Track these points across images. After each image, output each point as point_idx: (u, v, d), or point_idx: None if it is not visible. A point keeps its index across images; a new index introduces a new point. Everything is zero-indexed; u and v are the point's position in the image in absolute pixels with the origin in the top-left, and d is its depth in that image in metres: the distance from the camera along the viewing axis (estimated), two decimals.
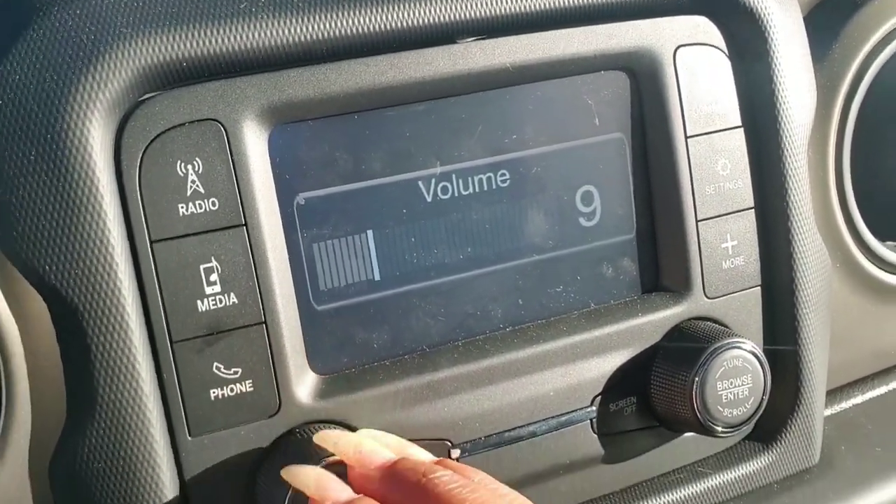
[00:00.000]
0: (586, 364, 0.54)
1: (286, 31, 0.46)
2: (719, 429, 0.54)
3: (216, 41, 0.45)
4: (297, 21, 0.46)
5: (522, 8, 0.50)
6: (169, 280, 0.45)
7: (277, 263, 0.48)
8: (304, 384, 0.49)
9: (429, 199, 0.51)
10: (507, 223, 0.53)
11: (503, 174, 0.53)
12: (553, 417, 0.53)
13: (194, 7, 0.45)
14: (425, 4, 0.48)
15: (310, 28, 0.46)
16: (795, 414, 0.60)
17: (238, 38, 0.45)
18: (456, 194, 0.52)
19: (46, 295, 0.44)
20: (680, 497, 0.57)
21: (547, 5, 0.51)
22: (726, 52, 0.56)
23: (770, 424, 0.60)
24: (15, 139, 0.43)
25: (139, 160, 0.44)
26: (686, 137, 0.55)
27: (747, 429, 0.59)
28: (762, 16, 0.55)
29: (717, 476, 0.59)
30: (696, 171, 0.55)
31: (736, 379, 0.54)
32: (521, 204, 0.53)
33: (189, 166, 0.45)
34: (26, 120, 0.42)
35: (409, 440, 0.50)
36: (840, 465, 0.62)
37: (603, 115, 0.54)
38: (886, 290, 0.66)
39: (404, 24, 0.48)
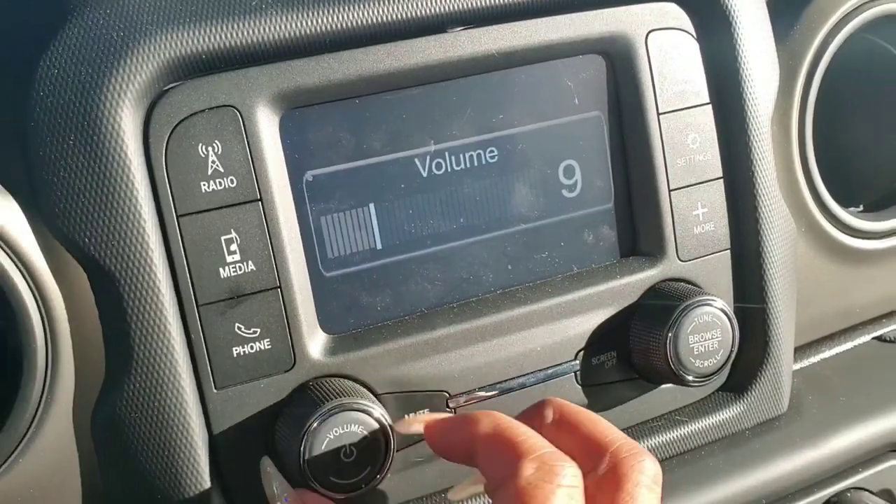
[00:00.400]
0: (570, 322, 0.59)
1: (293, 25, 0.51)
2: (691, 378, 0.59)
3: (231, 35, 0.50)
4: (302, 15, 0.51)
5: None
6: (194, 250, 0.51)
7: (289, 234, 0.53)
8: (315, 342, 0.54)
9: (424, 175, 0.57)
10: (495, 195, 0.58)
11: (492, 151, 0.58)
12: (541, 370, 0.59)
13: (211, 5, 0.50)
14: None
15: (314, 21, 0.51)
16: (764, 367, 0.65)
17: (250, 32, 0.50)
18: (449, 170, 0.57)
19: (86, 265, 0.49)
20: (659, 442, 0.63)
21: None
22: (694, 35, 0.61)
23: (741, 377, 0.66)
24: (55, 127, 0.48)
25: (165, 143, 0.50)
26: (658, 114, 0.60)
27: (719, 380, 0.64)
28: (726, 1, 0.61)
29: (693, 423, 0.64)
30: (668, 145, 0.61)
31: (706, 333, 0.59)
32: (509, 178, 0.59)
33: (209, 148, 0.51)
34: (65, 109, 0.48)
35: (411, 392, 0.56)
36: (807, 412, 0.68)
37: (582, 96, 0.60)
38: (849, 252, 0.71)
39: (400, 15, 0.53)
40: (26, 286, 0.49)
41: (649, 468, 0.46)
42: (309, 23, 0.51)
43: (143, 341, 0.50)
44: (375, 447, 0.51)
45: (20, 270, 0.48)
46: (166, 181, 0.50)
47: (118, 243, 0.49)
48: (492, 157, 0.58)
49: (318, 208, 0.55)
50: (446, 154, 0.57)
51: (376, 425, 0.51)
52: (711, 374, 0.60)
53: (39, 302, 0.49)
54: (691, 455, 0.64)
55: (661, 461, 0.63)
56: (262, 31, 0.50)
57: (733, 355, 0.61)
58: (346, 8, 0.52)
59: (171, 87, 0.50)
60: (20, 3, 0.50)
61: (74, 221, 0.48)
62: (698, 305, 0.59)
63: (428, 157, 0.57)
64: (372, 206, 0.56)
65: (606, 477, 0.45)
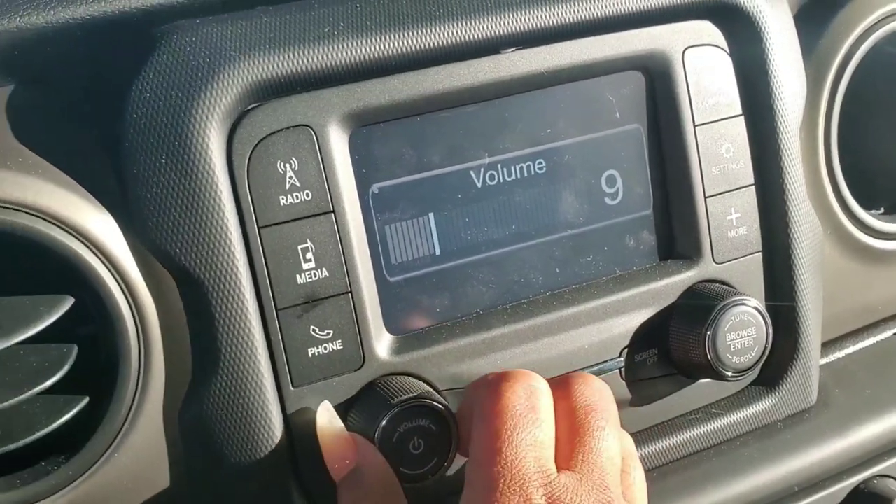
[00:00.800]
0: (614, 321, 0.64)
1: (361, 50, 0.55)
2: (729, 374, 0.63)
3: (306, 60, 0.54)
4: (369, 41, 0.55)
5: (554, 22, 0.59)
6: (274, 258, 0.55)
7: (358, 243, 0.57)
8: (382, 343, 0.58)
9: (479, 185, 0.61)
10: (544, 204, 0.63)
11: (540, 162, 0.62)
12: (588, 367, 0.63)
13: (287, 32, 0.54)
14: (474, 23, 0.57)
15: (380, 46, 0.56)
16: (795, 362, 0.69)
17: (323, 57, 0.54)
18: (501, 180, 0.61)
19: (176, 273, 0.54)
20: (697, 434, 0.67)
21: (574, 18, 0.60)
22: (727, 50, 0.65)
23: (773, 371, 0.70)
24: (148, 146, 0.52)
25: (247, 160, 0.54)
26: (695, 126, 0.64)
27: (753, 374, 0.68)
28: (757, 18, 0.64)
29: (729, 416, 0.68)
30: (704, 155, 0.65)
31: (742, 331, 0.63)
32: (556, 187, 0.63)
33: (287, 164, 0.55)
34: (157, 130, 0.52)
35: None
36: (834, 404, 0.72)
37: (622, 109, 0.64)
38: (872, 253, 0.76)
39: (457, 39, 0.57)
40: (122, 294, 0.53)
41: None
42: (375, 47, 0.55)
43: (229, 343, 0.54)
44: (442, 439, 0.55)
45: (116, 279, 0.53)
46: (248, 195, 0.54)
47: (206, 253, 0.53)
48: (540, 168, 0.62)
49: (383, 218, 0.59)
50: (499, 166, 0.61)
51: (442, 418, 0.55)
52: (748, 369, 0.64)
53: (133, 308, 0.53)
54: (727, 445, 0.68)
55: (699, 451, 0.67)
56: (333, 56, 0.55)
57: (767, 351, 0.65)
58: (409, 33, 0.56)
59: (252, 108, 0.54)
60: (111, 32, 0.53)
61: (166, 234, 0.53)
62: (735, 305, 0.63)
63: (482, 169, 0.61)
64: (431, 215, 0.60)
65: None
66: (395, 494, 0.53)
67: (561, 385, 0.54)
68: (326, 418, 0.55)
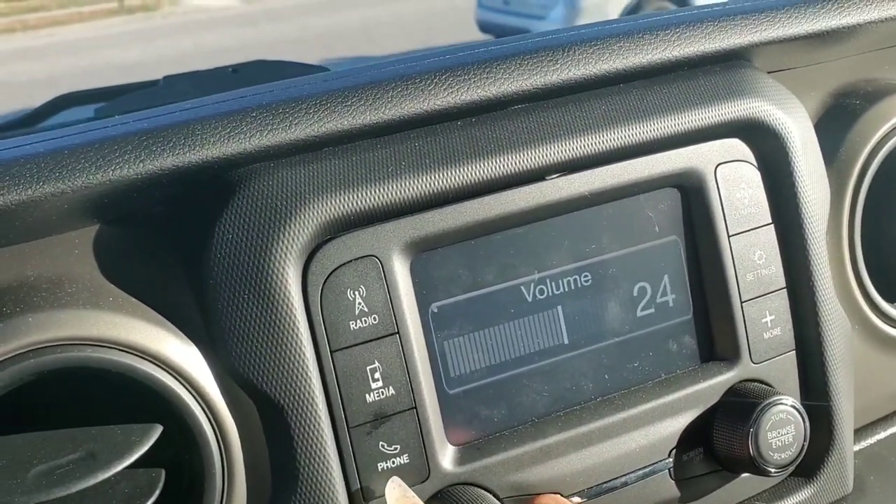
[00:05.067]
0: (662, 424, 0.67)
1: (420, 186, 0.60)
2: (772, 470, 0.67)
3: (372, 198, 0.59)
4: (427, 177, 0.60)
5: (594, 150, 0.64)
6: (345, 380, 0.59)
7: (421, 360, 0.61)
8: (445, 454, 0.62)
9: (529, 300, 0.65)
10: (591, 314, 0.67)
11: (586, 275, 0.66)
12: (640, 469, 0.66)
13: (354, 173, 0.59)
14: (521, 154, 0.62)
15: (437, 181, 0.60)
16: (830, 452, 0.73)
17: (387, 194, 0.59)
18: (550, 294, 0.65)
19: (256, 398, 0.58)
20: None
21: (613, 145, 0.64)
22: (756, 165, 0.70)
23: (810, 462, 0.73)
24: (231, 282, 0.57)
25: (320, 291, 0.58)
26: (729, 236, 0.68)
27: (792, 468, 0.72)
28: (782, 134, 0.69)
29: None
30: (739, 262, 0.69)
31: (782, 429, 0.67)
32: (601, 298, 0.67)
33: (356, 292, 0.59)
34: (239, 267, 0.57)
35: (528, 495, 0.64)
36: (870, 491, 0.75)
37: (661, 223, 0.68)
38: None
39: (506, 170, 0.62)
40: (207, 420, 0.57)
41: None
42: (433, 183, 0.60)
43: (306, 462, 0.58)
44: None
45: (202, 406, 0.57)
46: (322, 322, 0.58)
47: (285, 379, 0.57)
48: (586, 281, 0.66)
49: (442, 335, 0.63)
50: (547, 281, 0.65)
51: None
52: (789, 465, 0.67)
53: (217, 433, 0.57)
54: None
55: None
56: (396, 192, 0.59)
57: (806, 447, 0.68)
58: (463, 168, 0.61)
59: (324, 243, 0.59)
60: (192, 176, 0.58)
61: (248, 362, 0.57)
62: (775, 405, 0.66)
63: (532, 285, 0.65)
64: (486, 329, 0.64)
65: None
66: None
67: None
68: (399, 493, 0.57)
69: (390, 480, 0.58)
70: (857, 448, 0.79)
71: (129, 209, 0.59)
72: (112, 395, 0.57)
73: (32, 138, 0.57)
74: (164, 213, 0.60)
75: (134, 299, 0.58)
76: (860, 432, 0.81)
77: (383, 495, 0.59)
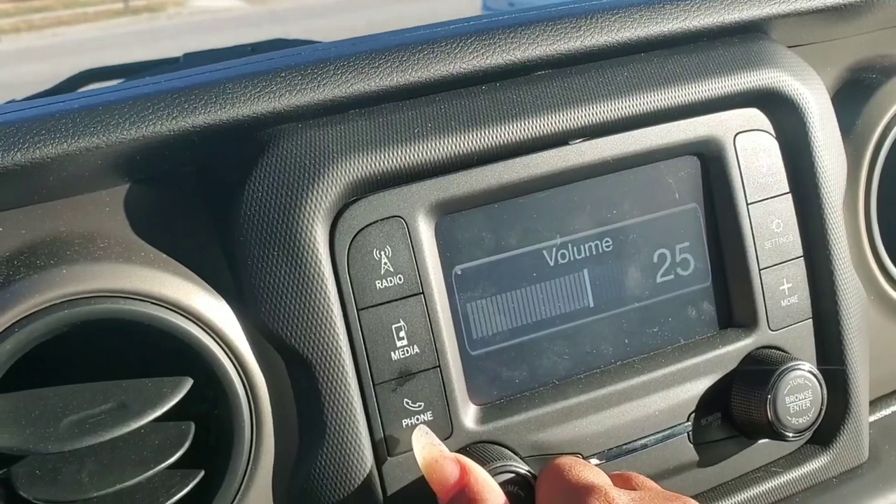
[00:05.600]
0: (680, 388, 0.68)
1: (446, 148, 0.61)
2: (790, 434, 0.67)
3: (398, 159, 0.60)
4: (453, 139, 0.61)
5: (616, 115, 0.65)
6: (371, 338, 0.60)
7: (445, 321, 0.62)
8: (467, 413, 0.63)
9: (551, 264, 0.66)
10: (611, 279, 0.68)
11: (607, 241, 0.67)
12: (659, 432, 0.67)
13: (381, 134, 0.60)
14: (545, 118, 0.63)
15: (463, 144, 0.61)
16: (846, 421, 0.73)
17: (413, 156, 0.60)
18: (572, 259, 0.66)
19: (285, 354, 0.59)
20: (760, 492, 0.71)
21: (635, 111, 0.65)
22: (774, 134, 0.71)
23: (826, 430, 0.73)
24: (261, 240, 0.57)
25: (347, 250, 0.59)
26: (747, 204, 0.69)
27: (809, 434, 0.72)
28: (800, 104, 0.70)
29: (787, 474, 0.72)
30: (757, 230, 0.70)
31: (800, 393, 0.68)
32: (622, 263, 0.68)
33: (382, 252, 0.60)
34: (269, 226, 0.57)
35: (550, 454, 0.64)
36: (885, 460, 0.76)
37: (680, 191, 0.69)
38: None
39: (530, 134, 0.63)
40: (236, 374, 0.58)
41: None
42: (458, 145, 0.61)
43: (333, 417, 0.59)
44: (529, 498, 0.59)
45: (231, 360, 0.58)
46: (348, 281, 0.59)
47: (313, 335, 0.58)
48: (607, 247, 0.67)
49: (465, 297, 0.64)
50: (569, 245, 0.66)
51: (528, 484, 0.59)
52: (806, 430, 0.68)
53: (246, 386, 0.58)
54: (788, 502, 0.72)
55: None
56: (422, 154, 0.60)
57: (823, 412, 0.69)
58: (488, 130, 0.62)
59: (351, 203, 0.59)
60: (222, 135, 0.59)
61: (277, 318, 0.58)
62: (792, 370, 0.67)
63: (554, 249, 0.66)
64: (508, 292, 0.65)
65: None
66: None
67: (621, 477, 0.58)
68: (426, 441, 0.57)
69: (417, 428, 0.59)
70: (872, 419, 0.80)
71: (158, 169, 0.60)
72: (143, 350, 0.58)
73: (66, 97, 0.58)
74: (192, 174, 0.61)
75: (165, 255, 0.58)
76: (875, 404, 0.81)
77: (409, 450, 0.60)
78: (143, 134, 0.55)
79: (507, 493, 0.58)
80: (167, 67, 0.94)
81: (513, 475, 0.59)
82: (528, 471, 0.60)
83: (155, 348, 0.58)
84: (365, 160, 0.59)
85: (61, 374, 0.57)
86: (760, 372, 0.68)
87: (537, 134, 0.63)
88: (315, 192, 0.58)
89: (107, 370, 0.58)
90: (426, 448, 0.57)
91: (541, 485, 0.58)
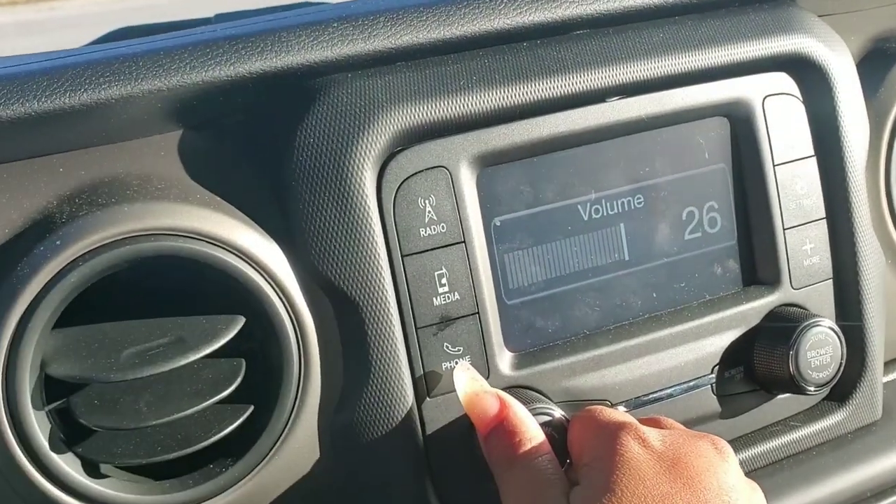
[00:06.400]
0: (705, 342, 0.70)
1: (490, 101, 0.63)
2: (811, 388, 0.70)
3: (445, 110, 0.62)
4: (497, 93, 0.63)
5: (652, 74, 0.67)
6: (415, 283, 0.62)
7: (484, 270, 0.64)
8: (503, 359, 0.65)
9: (586, 218, 0.68)
10: (642, 235, 0.70)
11: (639, 197, 0.69)
12: (683, 382, 0.70)
13: (429, 86, 0.62)
14: (585, 75, 0.65)
15: (506, 97, 0.63)
16: (862, 379, 0.76)
17: (459, 107, 0.62)
18: (605, 214, 0.69)
19: (332, 295, 0.61)
20: (778, 444, 0.73)
21: (669, 72, 0.67)
22: (801, 98, 0.73)
23: (843, 388, 0.76)
24: (312, 185, 0.60)
25: (393, 197, 0.61)
26: (774, 166, 0.72)
27: (828, 389, 0.75)
28: (827, 70, 0.72)
29: (805, 428, 0.75)
30: (782, 191, 0.72)
31: (821, 349, 0.70)
32: (652, 220, 0.70)
33: (427, 201, 0.62)
34: (320, 171, 0.60)
35: (580, 401, 0.67)
36: None
37: (710, 151, 0.71)
38: None
39: (569, 90, 0.65)
40: (286, 312, 0.60)
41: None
42: (502, 98, 0.63)
43: (378, 357, 0.61)
44: (561, 444, 0.62)
45: (282, 300, 0.60)
46: (394, 228, 0.61)
47: (360, 278, 0.60)
48: (639, 203, 0.69)
49: (503, 247, 0.66)
50: (603, 201, 0.68)
51: (561, 426, 0.62)
52: (826, 384, 0.71)
53: (296, 326, 0.60)
54: (805, 455, 0.75)
55: (781, 460, 0.74)
56: (467, 106, 0.62)
57: (843, 367, 0.71)
58: (530, 85, 0.64)
59: (398, 152, 0.62)
60: (273, 83, 0.61)
61: (327, 261, 0.60)
62: (814, 325, 0.70)
63: (588, 204, 0.68)
64: (543, 244, 0.67)
65: None
66: (544, 443, 0.57)
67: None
68: (467, 376, 0.60)
69: (459, 364, 0.61)
70: (886, 380, 0.83)
71: (211, 115, 0.62)
72: (197, 289, 0.60)
73: (126, 43, 0.60)
74: (242, 122, 0.63)
75: (218, 198, 0.61)
76: (890, 365, 0.84)
77: (449, 391, 0.62)
78: (203, 78, 0.57)
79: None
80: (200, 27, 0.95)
81: (549, 417, 0.61)
82: (562, 415, 0.62)
83: (208, 288, 0.60)
84: (413, 110, 0.61)
85: (118, 311, 0.59)
86: (784, 328, 0.70)
87: (576, 90, 0.65)
88: (365, 140, 0.60)
89: (161, 309, 0.60)
90: (468, 382, 0.59)
91: (573, 426, 0.60)
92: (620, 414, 0.59)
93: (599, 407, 0.60)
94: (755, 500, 0.55)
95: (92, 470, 0.58)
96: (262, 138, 0.62)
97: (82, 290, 0.57)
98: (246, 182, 0.62)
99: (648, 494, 0.51)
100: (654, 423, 0.60)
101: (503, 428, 0.57)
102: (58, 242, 0.55)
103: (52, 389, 0.57)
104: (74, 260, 0.55)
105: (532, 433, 0.57)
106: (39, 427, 0.56)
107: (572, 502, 0.53)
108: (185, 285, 0.61)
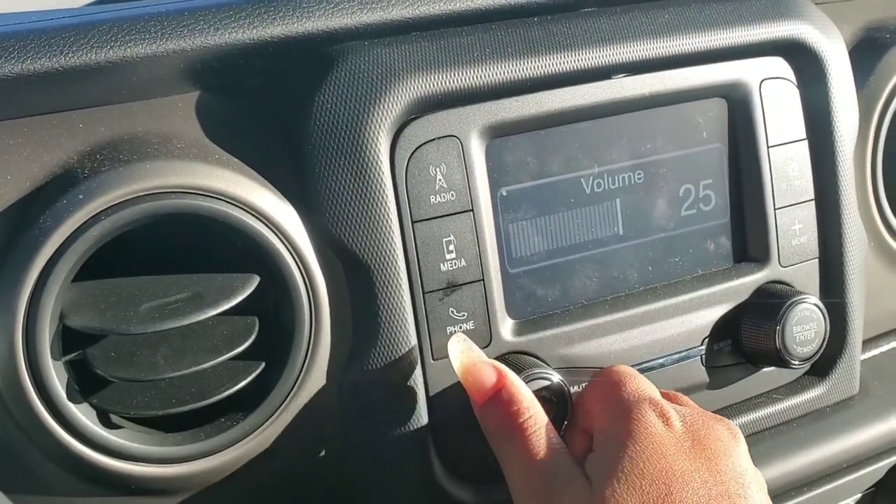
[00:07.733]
0: (696, 315, 0.73)
1: (501, 73, 0.65)
2: (795, 362, 0.73)
3: (458, 80, 0.63)
4: (509, 65, 0.65)
5: (655, 54, 0.69)
6: (423, 249, 0.64)
7: (489, 238, 0.66)
8: (505, 325, 0.67)
9: (588, 192, 0.70)
10: (641, 209, 0.72)
11: (639, 173, 0.72)
12: (675, 353, 0.72)
13: (443, 56, 0.63)
14: (592, 52, 0.67)
15: (517, 70, 0.65)
16: (842, 355, 0.79)
17: (472, 78, 0.64)
18: (606, 188, 0.71)
19: (344, 258, 0.62)
20: (761, 415, 0.77)
21: (672, 52, 0.70)
22: (796, 83, 0.75)
23: (824, 363, 0.79)
24: (328, 149, 0.61)
25: (406, 164, 0.63)
26: (768, 147, 0.74)
27: (810, 363, 0.78)
28: (822, 57, 0.75)
29: (787, 400, 0.78)
30: (775, 172, 0.75)
31: (806, 325, 0.73)
32: (651, 195, 0.72)
33: (437, 169, 0.64)
34: (336, 135, 0.61)
35: (577, 367, 0.69)
36: (874, 394, 0.82)
37: (708, 130, 0.74)
38: None
39: (576, 66, 0.67)
40: (299, 272, 0.62)
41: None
42: (513, 71, 0.65)
43: (386, 319, 0.63)
44: (561, 407, 0.64)
45: (295, 260, 0.61)
46: (405, 194, 0.63)
47: (372, 242, 0.62)
48: (639, 179, 0.72)
49: (508, 217, 0.68)
50: (605, 175, 0.71)
51: (560, 391, 0.64)
52: (809, 358, 0.74)
53: (308, 285, 0.62)
54: (786, 426, 0.78)
55: (763, 431, 0.77)
56: (478, 77, 0.64)
57: (826, 342, 0.75)
58: (540, 59, 0.65)
59: (411, 120, 0.63)
60: (293, 51, 0.62)
61: (340, 224, 0.61)
62: (800, 302, 0.73)
63: (591, 178, 0.70)
64: (547, 216, 0.69)
65: None
66: (540, 411, 0.59)
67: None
68: (463, 347, 0.61)
69: (454, 336, 0.63)
70: (863, 357, 0.86)
71: (230, 77, 0.63)
72: (213, 247, 0.62)
73: (150, 2, 0.61)
74: (260, 85, 0.64)
75: (236, 159, 0.62)
76: (868, 343, 0.88)
77: None
78: (226, 41, 0.58)
79: (539, 398, 0.63)
80: None
81: (548, 382, 0.64)
82: (560, 379, 0.64)
83: (223, 247, 0.62)
84: (428, 79, 0.63)
85: (133, 268, 0.61)
86: (771, 304, 0.73)
87: (584, 66, 0.67)
88: (381, 107, 0.61)
89: (174, 266, 0.61)
90: (464, 353, 0.61)
91: (591, 389, 0.62)
92: (643, 382, 0.61)
93: (623, 370, 0.62)
94: (763, 484, 0.57)
95: (106, 421, 0.60)
96: (279, 102, 0.63)
97: (100, 246, 0.58)
98: (263, 145, 0.63)
99: (668, 469, 0.53)
100: (671, 398, 0.63)
101: (500, 397, 0.59)
102: (80, 196, 0.56)
103: (68, 343, 0.59)
104: (97, 214, 0.56)
105: (529, 402, 0.59)
106: (57, 377, 0.57)
107: (588, 468, 0.55)
108: (201, 243, 0.62)
